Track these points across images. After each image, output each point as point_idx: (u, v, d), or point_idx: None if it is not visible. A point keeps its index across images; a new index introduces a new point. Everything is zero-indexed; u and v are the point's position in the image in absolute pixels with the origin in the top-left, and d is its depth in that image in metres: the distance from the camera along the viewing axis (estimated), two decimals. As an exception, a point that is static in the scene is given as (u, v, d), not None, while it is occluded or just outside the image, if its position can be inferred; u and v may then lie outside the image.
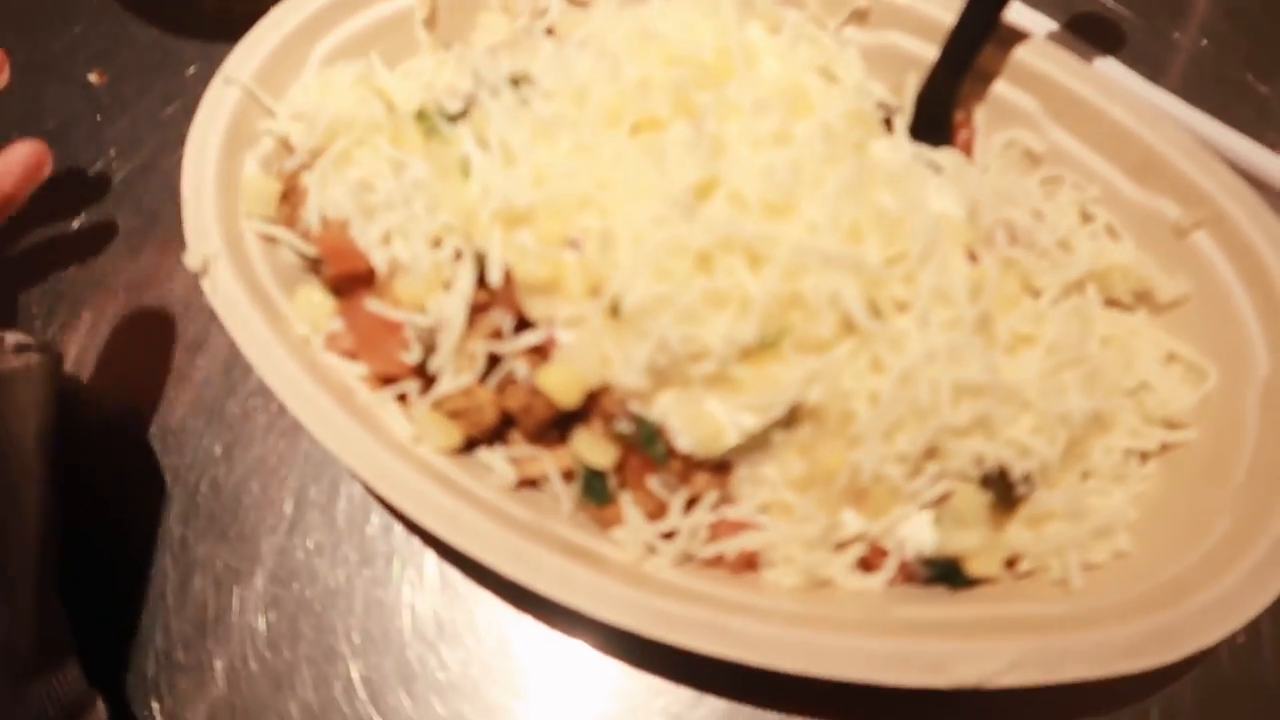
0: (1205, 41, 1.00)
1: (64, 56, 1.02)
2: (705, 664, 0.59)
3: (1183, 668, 0.73)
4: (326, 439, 0.66)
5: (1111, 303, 0.75)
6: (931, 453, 0.64)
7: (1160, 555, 0.64)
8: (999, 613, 0.63)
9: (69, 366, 0.85)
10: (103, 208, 0.93)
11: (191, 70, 0.99)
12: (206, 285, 0.70)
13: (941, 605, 0.64)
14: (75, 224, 0.92)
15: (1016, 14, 0.97)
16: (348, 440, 0.66)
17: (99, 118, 0.97)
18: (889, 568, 0.66)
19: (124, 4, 1.04)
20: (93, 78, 1.00)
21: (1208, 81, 0.97)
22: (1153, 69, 0.94)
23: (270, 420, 0.83)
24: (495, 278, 0.65)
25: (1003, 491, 0.64)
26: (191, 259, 0.70)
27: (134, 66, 1.01)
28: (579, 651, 0.74)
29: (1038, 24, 0.93)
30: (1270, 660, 0.73)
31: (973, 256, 0.67)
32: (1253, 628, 0.74)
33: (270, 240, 0.75)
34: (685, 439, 0.63)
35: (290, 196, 0.75)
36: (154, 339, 0.86)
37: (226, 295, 0.70)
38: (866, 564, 0.68)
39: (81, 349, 0.86)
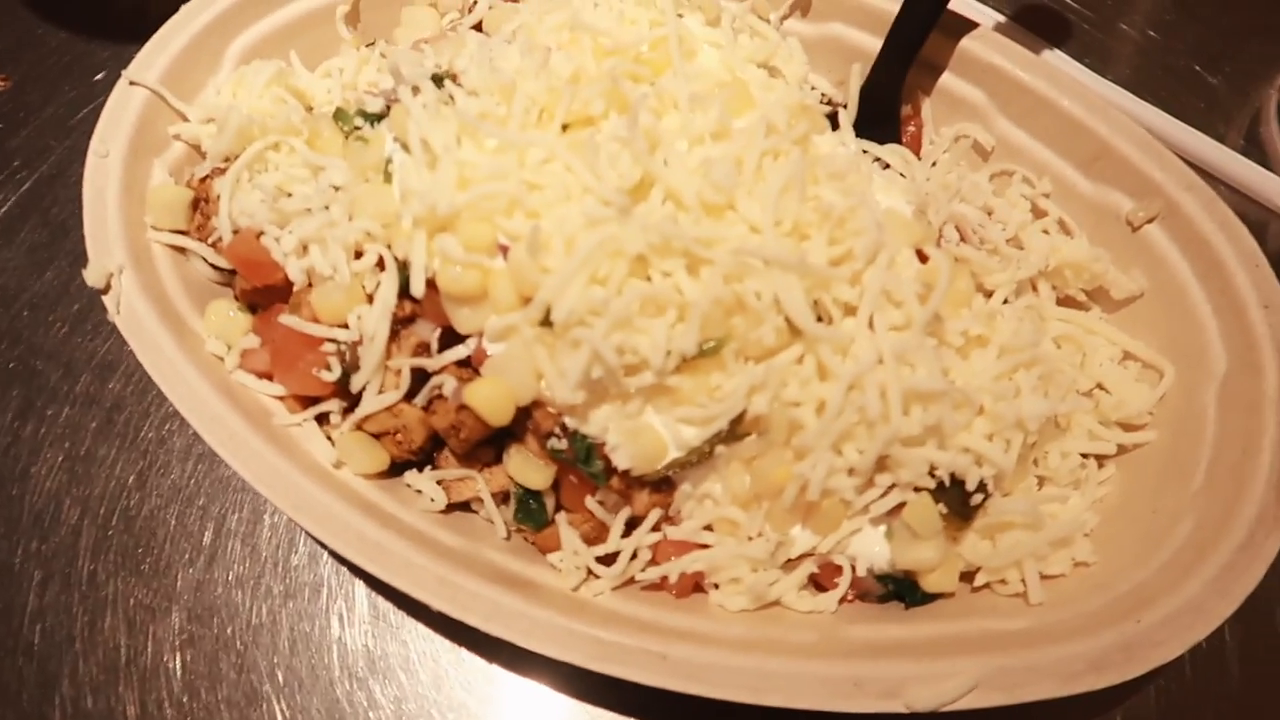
0: (1152, 33, 0.99)
1: (-37, 62, 0.96)
2: (656, 695, 0.56)
3: (1146, 677, 0.71)
4: (239, 465, 0.61)
5: (1065, 300, 0.73)
6: (882, 463, 0.60)
7: (1122, 563, 0.62)
8: (957, 630, 0.60)
9: (-31, 392, 0.79)
10: (6, 222, 0.87)
11: (102, 75, 0.94)
12: (110, 302, 0.65)
13: (897, 624, 0.61)
14: (-25, 239, 0.86)
15: (963, 6, 0.95)
16: (262, 466, 0.61)
17: (1, 127, 0.91)
18: (841, 585, 0.62)
19: (30, 5, 0.98)
20: (-4, 84, 0.94)
21: (1156, 72, 0.96)
22: (1100, 60, 0.92)
23: (187, 444, 0.78)
24: (418, 288, 0.61)
25: (958, 502, 0.61)
26: (92, 275, 0.65)
27: (41, 71, 0.95)
28: (520, 685, 0.70)
29: (984, 16, 0.91)
30: (1234, 669, 0.71)
31: (922, 255, 0.64)
32: (1216, 636, 0.72)
33: (181, 252, 0.71)
34: (623, 455, 0.59)
35: (201, 205, 0.71)
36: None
37: (131, 313, 0.65)
38: (819, 582, 0.64)
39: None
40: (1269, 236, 0.87)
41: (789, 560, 0.63)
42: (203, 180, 0.70)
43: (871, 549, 0.63)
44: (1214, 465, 0.63)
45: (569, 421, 0.61)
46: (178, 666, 0.69)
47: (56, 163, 0.89)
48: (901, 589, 0.63)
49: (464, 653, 0.71)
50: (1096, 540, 0.65)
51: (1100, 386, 0.69)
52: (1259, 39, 0.98)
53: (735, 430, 0.59)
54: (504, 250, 0.60)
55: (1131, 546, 0.63)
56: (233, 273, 0.70)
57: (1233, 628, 0.72)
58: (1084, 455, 0.67)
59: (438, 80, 0.66)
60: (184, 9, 0.75)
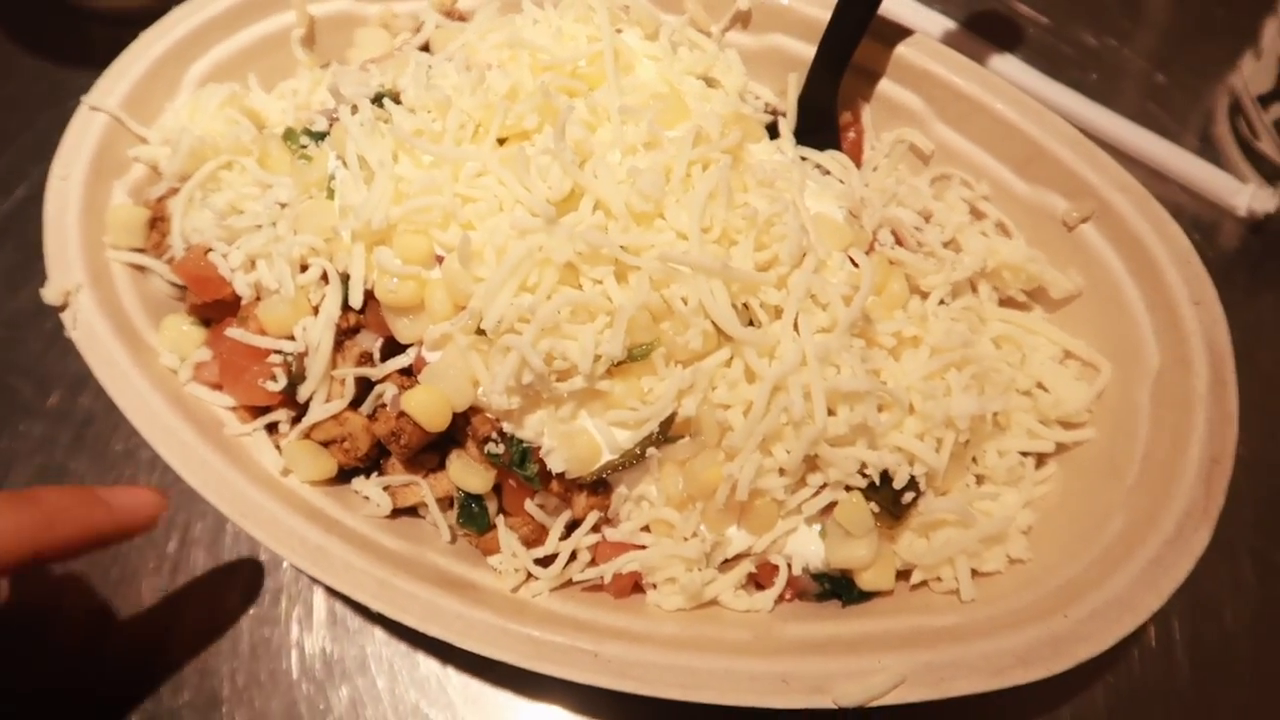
0: (1106, 37, 0.99)
1: (-56, 90, 0.99)
2: (606, 696, 0.57)
3: (1094, 673, 0.71)
4: (187, 473, 0.63)
5: (1007, 301, 0.73)
6: (813, 463, 0.61)
7: (1055, 560, 0.62)
8: (888, 627, 0.60)
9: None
10: (-17, 244, 0.90)
11: (77, 101, 0.96)
12: (67, 319, 0.68)
13: (830, 622, 0.62)
14: (-47, 262, 0.89)
15: (914, 12, 0.96)
16: (211, 476, 0.63)
17: (-22, 151, 0.95)
18: (777, 584, 0.63)
19: (8, 34, 1.01)
20: (-24, 111, 0.97)
21: (1110, 76, 0.96)
22: (1053, 65, 0.93)
23: (153, 456, 0.78)
24: (356, 299, 0.63)
25: (889, 500, 0.62)
26: (50, 293, 0.68)
27: (19, 98, 0.98)
28: (472, 687, 0.71)
29: (934, 22, 0.92)
30: (1183, 664, 0.71)
31: (855, 261, 0.65)
32: (1164, 633, 0.73)
33: (139, 270, 0.73)
34: (558, 458, 0.60)
35: (158, 224, 0.73)
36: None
37: (88, 329, 0.67)
38: (759, 582, 0.65)
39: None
40: (1222, 235, 0.87)
41: (726, 560, 0.64)
42: (159, 200, 0.73)
43: (807, 548, 0.64)
44: (1146, 461, 0.63)
45: (505, 427, 0.62)
46: (142, 671, 0.71)
47: (31, 186, 0.92)
48: (838, 588, 0.64)
49: (420, 656, 0.72)
50: (1034, 538, 0.65)
51: (1040, 386, 0.70)
52: (1210, 42, 0.98)
53: (667, 433, 0.61)
54: (439, 261, 0.62)
55: (1066, 544, 0.63)
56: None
57: (1183, 626, 0.73)
58: (1024, 454, 0.68)
59: (379, 99, 0.68)
60: (143, 35, 0.77)
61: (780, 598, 0.64)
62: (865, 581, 0.63)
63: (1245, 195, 0.87)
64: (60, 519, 0.55)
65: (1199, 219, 0.88)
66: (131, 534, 0.60)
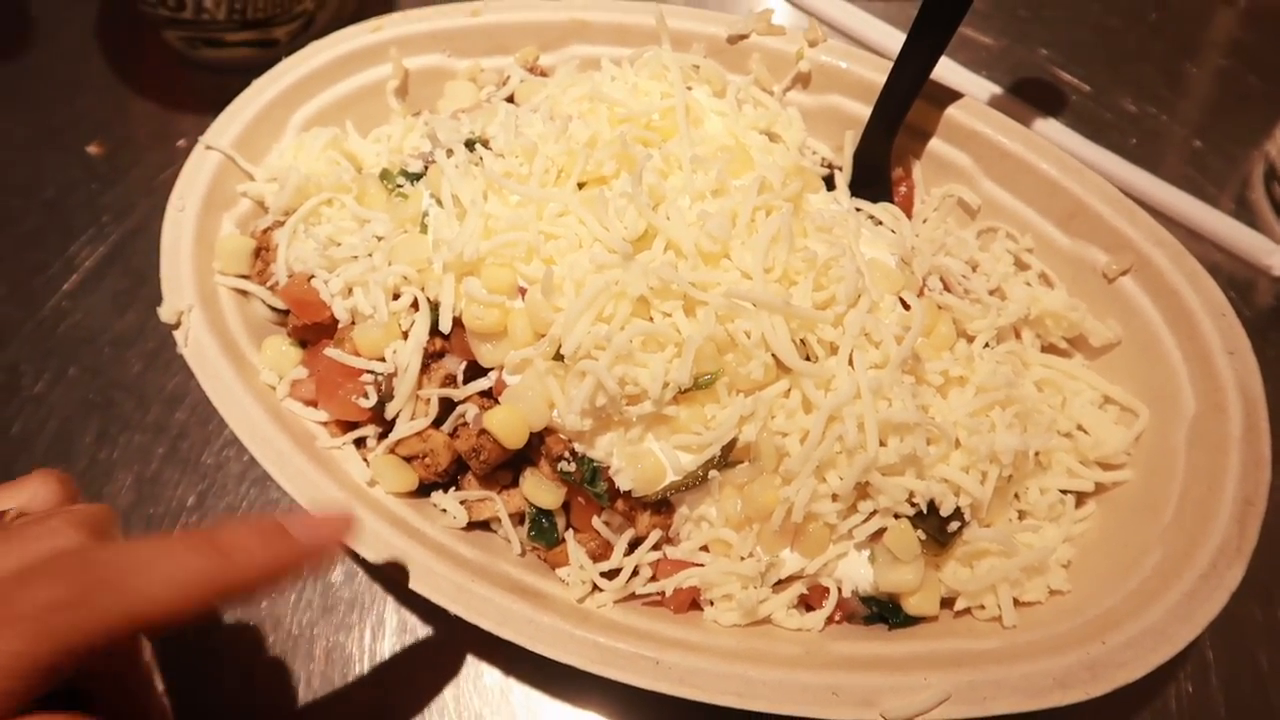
0: (1146, 105, 1.04)
1: (66, 129, 1.08)
2: (651, 699, 0.60)
3: (1130, 709, 0.74)
4: (285, 481, 0.68)
5: (1050, 348, 0.78)
6: (864, 490, 0.66)
7: (1094, 592, 0.65)
8: (933, 648, 0.64)
9: (56, 422, 0.88)
10: (95, 269, 0.97)
11: (183, 141, 1.05)
12: (179, 336, 0.74)
13: (877, 642, 0.65)
14: (66, 285, 0.96)
15: (963, 78, 1.02)
16: (305, 483, 0.68)
17: (94, 186, 1.03)
18: (828, 605, 0.67)
19: (122, 81, 1.11)
20: (92, 149, 1.06)
21: (1150, 142, 1.01)
22: (1095, 131, 0.98)
23: (243, 469, 0.86)
24: (446, 324, 0.68)
25: (935, 528, 0.65)
26: (165, 312, 0.74)
27: (131, 138, 1.07)
28: (532, 697, 0.75)
29: (982, 88, 0.98)
30: (1220, 709, 0.73)
31: (905, 303, 0.70)
32: (1201, 673, 0.75)
33: (243, 294, 0.79)
34: (626, 477, 0.65)
35: (263, 253, 0.80)
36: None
37: (197, 346, 0.73)
38: (808, 603, 0.69)
39: (71, 404, 0.89)
40: (1258, 293, 0.91)
41: (780, 581, 0.68)
42: (264, 231, 0.80)
43: (857, 572, 0.67)
44: (1182, 500, 0.66)
45: (577, 447, 0.67)
46: (227, 672, 0.76)
47: (140, 218, 1.00)
48: (885, 611, 0.68)
49: (484, 666, 0.77)
50: (1074, 572, 0.69)
51: (1080, 428, 0.73)
52: (1246, 111, 1.03)
53: (728, 457, 0.65)
54: (522, 292, 0.68)
55: (1105, 577, 0.66)
56: (287, 312, 0.78)
57: (1219, 668, 0.75)
58: (1065, 492, 0.71)
59: (470, 144, 0.75)
60: (254, 84, 0.85)
61: (830, 619, 0.68)
62: (912, 606, 0.67)
63: (1279, 256, 0.91)
64: (242, 560, 0.50)
65: (1235, 278, 0.92)
66: (315, 568, 0.55)
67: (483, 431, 0.68)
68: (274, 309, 0.79)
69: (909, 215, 0.81)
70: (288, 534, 0.53)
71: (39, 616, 0.44)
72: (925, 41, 0.74)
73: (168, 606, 0.47)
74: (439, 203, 0.72)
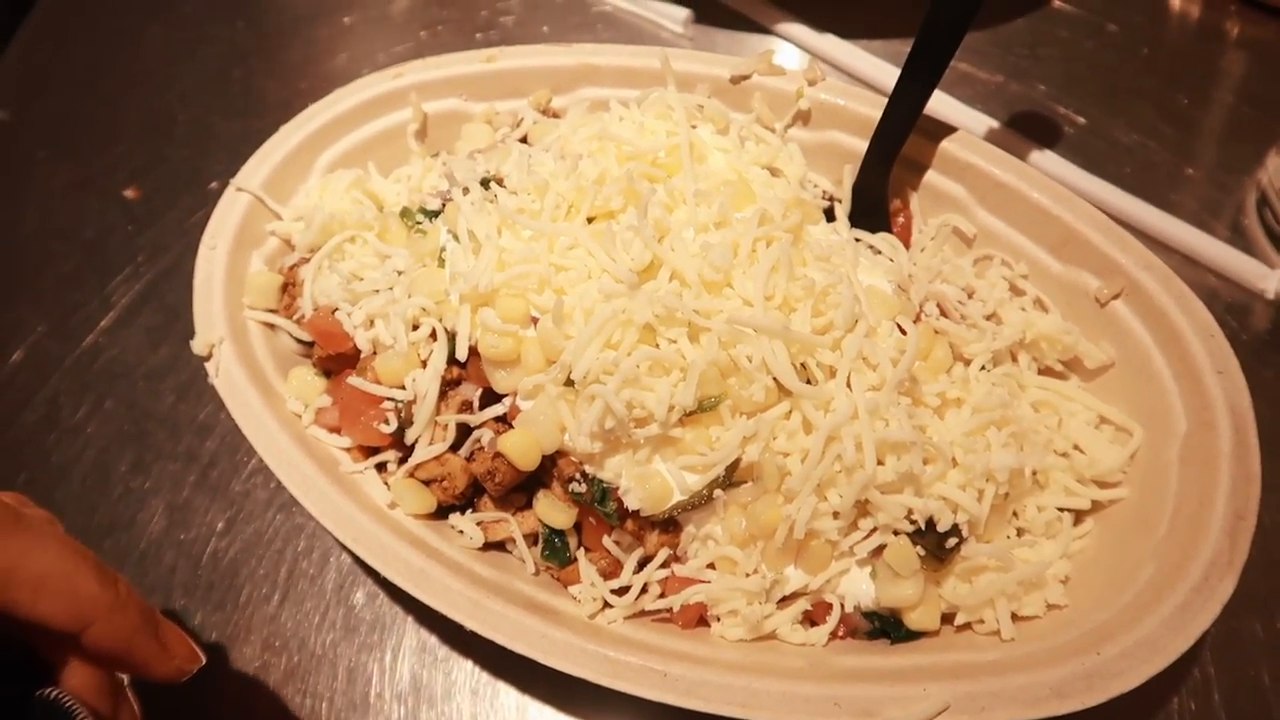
0: (1139, 136, 1.07)
1: (104, 174, 1.14)
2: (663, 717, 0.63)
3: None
4: (309, 504, 0.72)
5: (1046, 370, 0.80)
6: (864, 508, 0.68)
7: (1090, 606, 0.67)
8: (934, 661, 0.66)
9: (94, 453, 0.93)
10: (130, 307, 1.02)
11: (214, 184, 1.10)
12: (210, 368, 0.78)
13: (879, 656, 0.67)
14: (104, 322, 1.01)
15: (957, 112, 1.06)
16: (329, 506, 0.72)
17: (131, 228, 1.08)
18: (831, 621, 0.69)
19: (156, 128, 1.17)
20: (128, 193, 1.12)
21: (1145, 171, 1.04)
22: (1091, 162, 1.01)
23: (270, 496, 0.90)
24: (462, 353, 0.72)
25: (934, 544, 0.68)
26: (198, 345, 0.78)
27: (165, 182, 1.12)
28: (549, 717, 0.77)
29: (978, 121, 1.01)
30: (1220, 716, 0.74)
31: (903, 328, 0.73)
32: (1203, 689, 0.76)
33: (270, 327, 0.83)
34: (634, 497, 0.68)
35: (289, 288, 0.84)
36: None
37: (227, 376, 0.77)
38: (812, 619, 0.71)
39: (107, 435, 0.94)
40: (1253, 317, 0.93)
41: (784, 597, 0.71)
42: (291, 268, 0.84)
43: (859, 587, 0.70)
44: (1175, 516, 0.68)
45: (588, 468, 0.70)
46: (251, 691, 0.79)
47: (173, 258, 1.05)
48: (887, 626, 0.70)
49: (501, 685, 0.79)
50: (1071, 587, 0.70)
51: (1077, 447, 0.75)
52: (1238, 141, 1.06)
53: (732, 477, 0.68)
54: (534, 321, 0.71)
55: (1100, 591, 0.68)
56: (312, 344, 0.82)
57: (1220, 685, 0.76)
58: (1062, 510, 0.73)
59: (485, 183, 0.79)
60: (282, 129, 0.90)
61: (833, 634, 0.70)
62: (913, 621, 0.69)
63: (1273, 280, 0.93)
64: (119, 618, 0.52)
65: (1231, 303, 0.94)
66: (159, 676, 0.56)
67: (498, 455, 0.71)
68: (300, 341, 0.83)
69: (907, 244, 0.84)
70: (156, 623, 0.56)
71: None
72: (918, 78, 0.77)
73: (28, 600, 0.48)
74: (456, 238, 0.75)
